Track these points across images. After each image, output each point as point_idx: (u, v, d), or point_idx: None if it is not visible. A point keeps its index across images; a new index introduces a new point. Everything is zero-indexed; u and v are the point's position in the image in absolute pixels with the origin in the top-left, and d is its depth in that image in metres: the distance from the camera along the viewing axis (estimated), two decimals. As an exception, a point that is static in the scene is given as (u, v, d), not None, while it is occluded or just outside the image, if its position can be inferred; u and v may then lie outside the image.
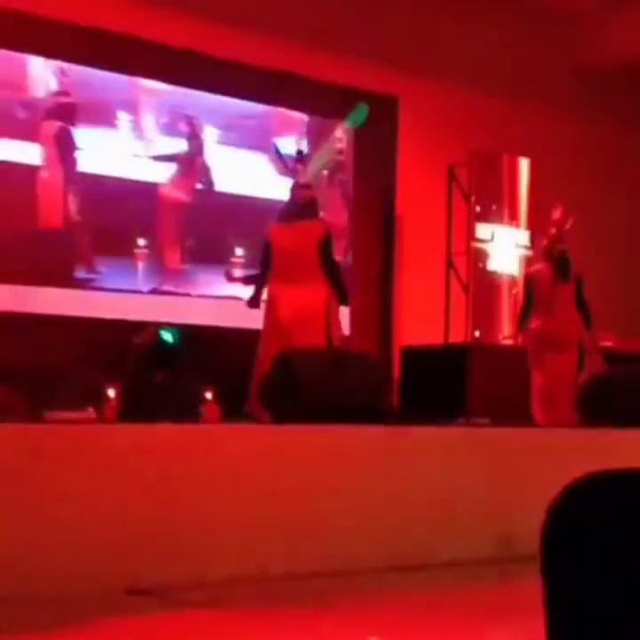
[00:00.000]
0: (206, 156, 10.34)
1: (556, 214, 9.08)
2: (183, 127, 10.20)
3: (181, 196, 10.21)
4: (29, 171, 9.28)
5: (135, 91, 9.99)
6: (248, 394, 7.48)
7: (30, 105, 9.33)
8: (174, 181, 10.20)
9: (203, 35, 9.73)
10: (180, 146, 10.20)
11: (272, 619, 4.66)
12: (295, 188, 7.90)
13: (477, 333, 10.84)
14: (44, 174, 9.38)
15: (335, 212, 11.00)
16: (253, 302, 7.93)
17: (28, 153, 9.26)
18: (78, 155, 9.51)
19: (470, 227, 11.03)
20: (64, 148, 9.47)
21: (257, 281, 7.97)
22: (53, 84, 9.43)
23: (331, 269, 7.77)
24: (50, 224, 9.42)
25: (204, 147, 10.33)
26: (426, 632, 4.56)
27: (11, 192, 9.12)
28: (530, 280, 9.14)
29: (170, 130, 10.16)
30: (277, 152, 8.32)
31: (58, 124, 9.44)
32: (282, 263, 7.67)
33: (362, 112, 9.47)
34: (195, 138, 10.26)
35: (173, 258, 10.09)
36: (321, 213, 8.38)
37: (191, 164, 10.27)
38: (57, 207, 9.48)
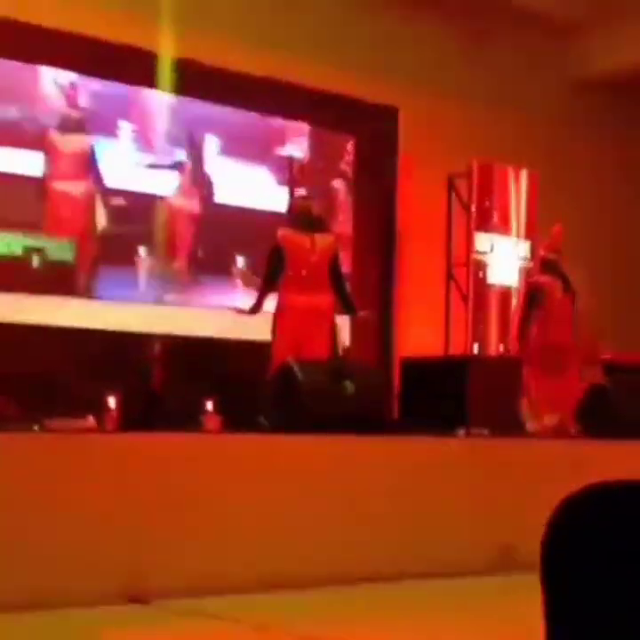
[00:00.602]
0: (207, 168, 10.35)
1: (556, 228, 9.15)
2: (184, 138, 10.22)
3: (183, 207, 10.22)
4: (32, 181, 9.30)
5: (137, 101, 10.00)
6: (256, 404, 7.40)
7: (40, 116, 9.37)
8: (176, 193, 10.21)
9: (205, 45, 9.74)
10: (181, 157, 10.21)
11: (273, 627, 4.66)
12: (298, 198, 7.89)
13: (476, 347, 10.84)
14: (63, 187, 9.43)
15: (349, 223, 11.10)
16: (256, 308, 7.74)
17: (34, 164, 9.30)
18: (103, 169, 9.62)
19: (470, 238, 11.04)
20: (91, 163, 9.56)
21: (265, 286, 7.77)
22: (62, 97, 9.47)
23: (341, 282, 7.80)
24: (53, 233, 9.43)
25: (204, 158, 10.34)
26: (426, 633, 4.56)
27: (13, 201, 9.14)
28: (536, 290, 9.08)
29: (171, 140, 10.17)
30: (291, 165, 8.25)
31: (84, 139, 9.53)
32: (297, 271, 7.58)
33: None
34: (195, 149, 10.27)
35: (175, 268, 10.09)
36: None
37: (192, 176, 10.28)
38: (65, 218, 9.49)
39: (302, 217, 7.73)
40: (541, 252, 9.32)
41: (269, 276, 7.66)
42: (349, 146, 11.19)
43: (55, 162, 9.42)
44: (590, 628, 1.24)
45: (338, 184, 11.14)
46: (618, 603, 1.22)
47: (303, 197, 7.88)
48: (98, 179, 9.62)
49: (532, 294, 9.10)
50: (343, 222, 11.06)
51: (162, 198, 10.06)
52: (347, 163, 11.20)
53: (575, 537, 1.29)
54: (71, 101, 9.49)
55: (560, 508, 1.30)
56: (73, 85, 9.49)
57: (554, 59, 12.09)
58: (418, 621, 4.93)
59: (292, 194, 7.92)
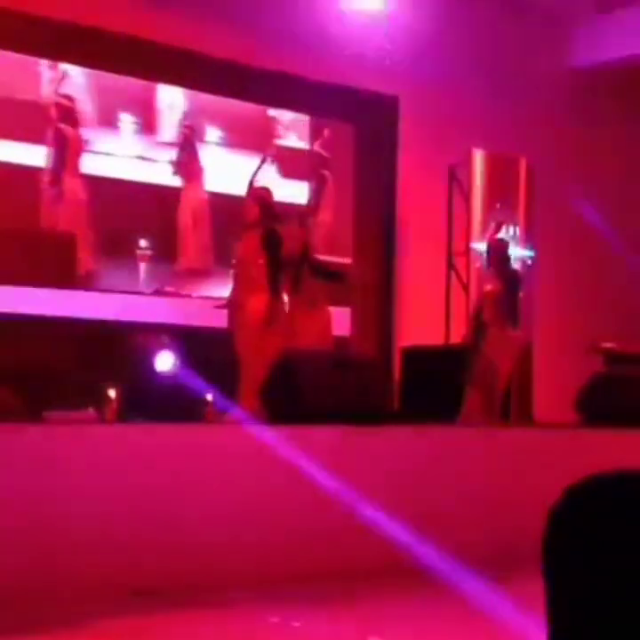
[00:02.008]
0: (203, 159, 10.32)
1: (495, 226, 9.34)
2: (183, 129, 10.20)
3: (181, 198, 10.21)
4: (30, 172, 9.29)
5: (136, 92, 9.99)
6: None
7: (34, 108, 9.34)
8: (176, 183, 10.21)
9: (203, 36, 9.71)
10: (179, 147, 10.19)
11: (273, 619, 4.66)
12: (262, 190, 7.83)
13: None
14: (51, 177, 9.42)
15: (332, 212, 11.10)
16: None
17: (31, 155, 9.29)
18: (83, 158, 9.54)
19: (470, 227, 11.02)
20: (75, 152, 9.52)
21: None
22: (57, 88, 9.43)
23: None
24: (52, 225, 9.43)
25: (201, 149, 10.31)
26: (426, 633, 4.56)
27: (13, 193, 9.14)
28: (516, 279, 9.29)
29: (170, 131, 10.16)
30: (262, 162, 8.11)
31: (70, 128, 9.48)
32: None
33: None
34: (193, 140, 10.25)
35: (174, 259, 10.09)
36: None
37: (191, 167, 10.26)
38: (61, 209, 9.48)
39: (272, 210, 7.70)
40: (497, 245, 9.32)
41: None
42: (326, 131, 11.10)
43: (55, 154, 9.41)
44: (592, 618, 1.23)
45: (325, 172, 11.06)
46: (619, 592, 1.22)
47: (265, 189, 7.82)
48: (77, 168, 9.55)
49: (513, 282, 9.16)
50: (327, 210, 11.02)
51: (160, 189, 10.05)
52: (320, 146, 11.08)
53: (577, 526, 1.28)
54: (65, 92, 9.45)
55: (562, 497, 1.29)
56: (67, 75, 9.44)
57: (555, 48, 12.05)
58: (415, 613, 4.93)
59: (251, 185, 7.80)
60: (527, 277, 11.60)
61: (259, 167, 7.91)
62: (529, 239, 11.56)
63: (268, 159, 8.08)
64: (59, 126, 9.42)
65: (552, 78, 12.21)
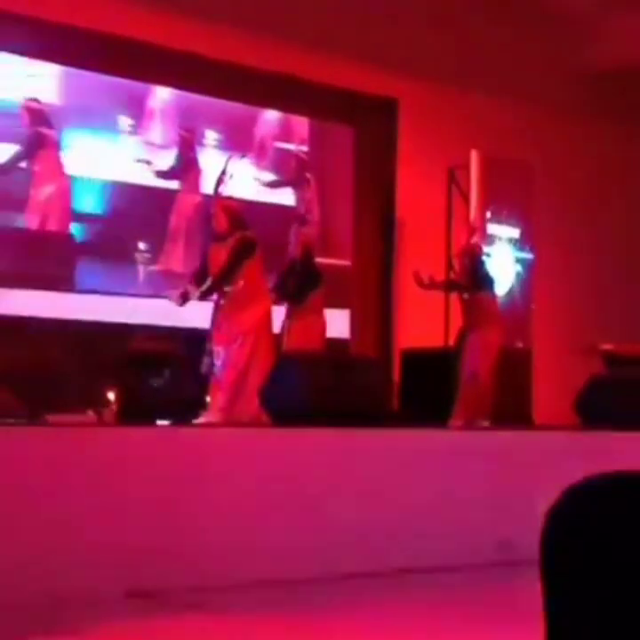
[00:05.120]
0: (202, 162, 10.31)
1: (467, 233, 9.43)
2: (181, 132, 10.19)
3: (181, 201, 10.20)
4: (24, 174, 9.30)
5: (135, 94, 9.98)
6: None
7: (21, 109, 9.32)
8: (175, 186, 10.20)
9: (203, 38, 9.72)
10: (178, 151, 10.19)
11: (271, 622, 4.66)
12: (230, 200, 7.81)
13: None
14: (41, 178, 9.38)
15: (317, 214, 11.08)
16: None
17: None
18: (65, 160, 9.48)
19: (470, 229, 11.03)
20: (57, 153, 9.47)
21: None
22: (36, 89, 9.37)
23: None
24: (50, 228, 9.42)
25: (200, 152, 10.30)
26: (426, 635, 4.56)
27: (10, 196, 9.16)
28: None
29: (169, 134, 10.15)
30: (224, 171, 8.04)
31: (53, 132, 9.42)
32: None
33: None
34: (191, 143, 10.23)
35: (173, 262, 10.09)
36: None
37: (188, 170, 10.24)
38: (57, 211, 9.47)
39: (241, 219, 7.68)
40: (467, 252, 9.33)
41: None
42: (348, 137, 11.12)
43: (38, 154, 9.34)
44: (591, 618, 1.24)
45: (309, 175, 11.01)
46: (618, 592, 1.22)
47: (231, 198, 7.80)
48: (62, 169, 9.48)
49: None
50: (311, 213, 10.99)
51: (159, 192, 10.05)
52: (307, 147, 11.04)
53: (576, 527, 1.28)
54: (40, 94, 9.36)
55: (560, 498, 1.30)
56: (33, 75, 9.37)
57: (557, 47, 12.05)
58: (416, 616, 4.93)
59: (217, 192, 7.75)
60: (527, 277, 11.61)
61: (221, 176, 7.85)
62: (529, 240, 11.56)
63: (232, 161, 8.01)
64: (33, 128, 9.30)
65: (555, 79, 12.21)
